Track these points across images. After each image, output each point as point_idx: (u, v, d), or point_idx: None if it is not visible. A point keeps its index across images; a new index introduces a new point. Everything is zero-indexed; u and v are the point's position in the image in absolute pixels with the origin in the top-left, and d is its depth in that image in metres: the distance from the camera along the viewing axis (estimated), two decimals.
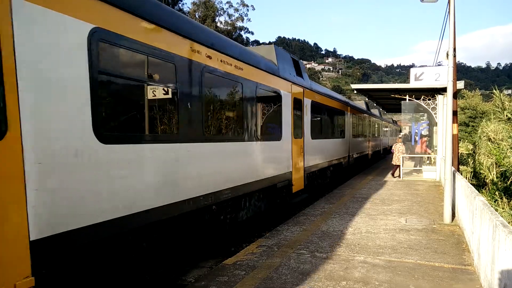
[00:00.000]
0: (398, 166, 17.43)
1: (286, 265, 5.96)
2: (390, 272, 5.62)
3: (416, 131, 18.12)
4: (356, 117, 21.36)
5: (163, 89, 5.57)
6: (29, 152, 3.58)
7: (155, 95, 5.42)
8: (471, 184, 9.54)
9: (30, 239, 3.57)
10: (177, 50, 5.81)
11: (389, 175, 18.47)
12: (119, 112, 4.92)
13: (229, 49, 7.52)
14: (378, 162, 29.12)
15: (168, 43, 5.60)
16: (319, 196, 13.26)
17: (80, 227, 4.09)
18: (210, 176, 6.64)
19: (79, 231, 4.08)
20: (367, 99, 22.38)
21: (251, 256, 6.40)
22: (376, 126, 30.88)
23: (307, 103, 12.17)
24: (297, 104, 11.23)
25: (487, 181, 16.48)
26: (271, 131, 9.55)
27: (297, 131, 11.23)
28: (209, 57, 6.71)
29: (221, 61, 7.10)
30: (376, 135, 30.60)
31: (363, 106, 25.67)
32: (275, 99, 9.74)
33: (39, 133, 3.68)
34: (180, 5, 46.65)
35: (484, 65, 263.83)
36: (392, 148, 17.85)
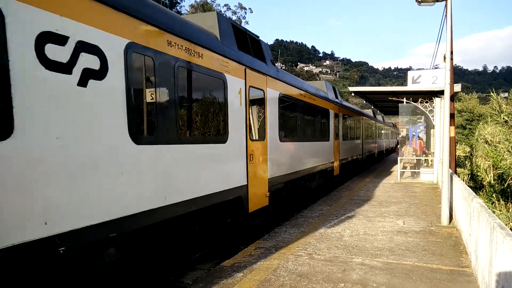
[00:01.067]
0: (413, 165, 17.66)
1: (284, 267, 5.95)
2: (388, 274, 5.62)
3: (414, 133, 18.16)
4: (367, 124, 26.41)
5: (296, 116, 11.57)
6: (268, 144, 9.04)
7: (294, 119, 11.47)
8: (468, 186, 9.54)
9: (268, 178, 9.02)
10: (297, 96, 11.61)
11: (388, 177, 18.49)
12: (286, 127, 10.47)
13: (311, 90, 13.21)
14: (380, 162, 30.05)
15: (296, 94, 11.45)
16: (347, 179, 18.42)
17: (276, 176, 9.52)
18: (305, 160, 12.18)
19: (276, 177, 9.57)
20: (364, 101, 22.60)
21: (249, 258, 6.40)
22: (381, 130, 35.95)
23: (340, 116, 17.57)
24: (336, 117, 16.71)
25: (484, 183, 16.54)
26: (325, 135, 14.99)
27: (336, 134, 16.61)
28: (305, 96, 12.30)
29: (309, 97, 12.77)
30: (381, 137, 36.00)
31: (371, 114, 30.38)
32: (327, 114, 15.31)
33: (269, 138, 9.12)
34: (178, 7, 46.74)
35: (481, 68, 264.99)
36: (402, 150, 17.99)
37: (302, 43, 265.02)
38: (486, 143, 17.55)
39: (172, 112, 5.66)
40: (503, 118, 17.16)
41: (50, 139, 3.82)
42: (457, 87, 14.08)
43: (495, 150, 16.26)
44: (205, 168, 6.53)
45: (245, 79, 8.00)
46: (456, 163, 15.73)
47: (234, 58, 7.56)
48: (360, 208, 10.81)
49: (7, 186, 3.43)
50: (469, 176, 19.20)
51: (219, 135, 7.03)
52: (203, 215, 6.80)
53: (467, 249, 6.65)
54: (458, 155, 21.72)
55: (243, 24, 50.49)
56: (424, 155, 18.38)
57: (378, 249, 6.84)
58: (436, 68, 17.41)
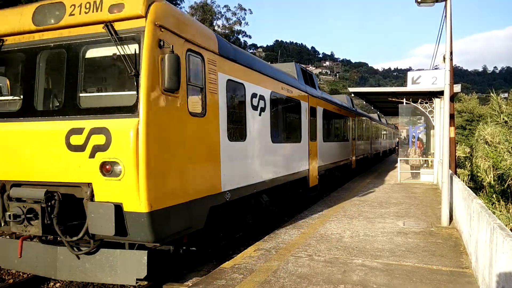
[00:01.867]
0: (419, 165, 17.79)
1: (284, 268, 5.94)
2: (388, 275, 5.61)
3: (414, 134, 18.17)
4: (374, 126, 31.08)
5: (330, 123, 16.03)
6: (318, 144, 13.60)
7: (330, 126, 15.99)
8: (468, 187, 9.49)
9: (318, 166, 13.37)
10: (332, 109, 16.00)
11: (388, 178, 18.49)
12: (326, 131, 14.85)
13: (338, 103, 17.68)
14: (381, 162, 30.66)
15: (331, 108, 15.86)
16: (362, 171, 22.85)
17: (321, 165, 13.84)
18: (336, 155, 16.44)
19: (321, 166, 13.95)
20: (364, 102, 22.73)
21: (249, 260, 6.38)
22: (384, 132, 40.88)
23: (355, 121, 22.08)
24: (353, 122, 21.21)
25: (485, 184, 16.52)
26: (345, 136, 19.43)
27: (352, 136, 21.03)
28: (335, 108, 16.71)
29: (337, 109, 17.12)
30: (385, 138, 41.55)
31: (377, 118, 34.88)
32: (347, 120, 19.80)
33: (318, 139, 13.74)
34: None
35: (480, 69, 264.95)
36: (408, 151, 18.10)
37: (301, 44, 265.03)
38: (486, 144, 17.54)
39: (282, 124, 10.37)
40: (503, 119, 17.15)
41: (252, 139, 8.21)
42: (457, 88, 14.08)
43: (495, 150, 16.25)
44: (292, 157, 10.97)
45: (308, 102, 12.54)
46: (456, 164, 15.72)
47: (303, 90, 12.25)
48: (360, 209, 10.80)
49: (246, 160, 7.95)
50: (469, 176, 19.19)
51: (297, 137, 11.58)
52: (291, 186, 11.08)
53: (467, 250, 6.64)
54: (458, 156, 21.71)
55: (243, 25, 50.52)
56: (424, 155, 18.39)
57: (378, 250, 6.83)
58: (436, 68, 17.41)
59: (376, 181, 17.66)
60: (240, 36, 50.83)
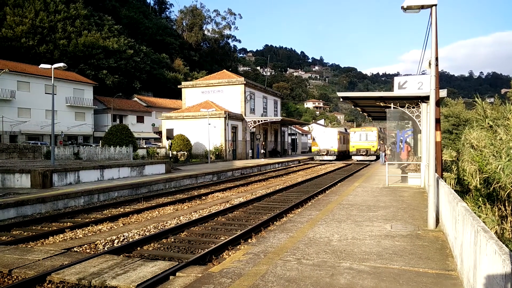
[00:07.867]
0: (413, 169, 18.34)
1: (273, 272, 5.95)
2: (376, 278, 5.66)
3: (401, 138, 18.39)
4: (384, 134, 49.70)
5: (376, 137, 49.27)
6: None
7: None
8: (455, 190, 9.58)
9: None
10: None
11: (376, 181, 18.65)
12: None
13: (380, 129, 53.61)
14: (369, 166, 30.34)
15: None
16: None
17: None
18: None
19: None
20: (353, 107, 22.94)
21: (238, 264, 6.38)
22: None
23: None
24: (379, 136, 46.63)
25: (471, 187, 16.72)
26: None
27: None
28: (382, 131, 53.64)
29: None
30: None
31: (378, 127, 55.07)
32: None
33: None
34: (167, 13, 46.65)
35: (467, 74, 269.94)
36: (401, 156, 18.62)
37: (291, 48, 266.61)
38: (472, 148, 17.78)
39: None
40: (488, 123, 17.44)
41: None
42: (443, 93, 14.29)
43: (481, 154, 16.49)
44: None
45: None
46: (443, 168, 15.91)
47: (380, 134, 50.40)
48: (348, 212, 10.87)
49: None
50: (456, 180, 19.42)
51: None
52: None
53: (453, 252, 6.73)
54: (445, 160, 21.99)
55: (232, 30, 50.92)
56: (408, 158, 18.68)
57: (366, 254, 6.88)
58: (423, 73, 17.66)
59: (364, 184, 17.80)
60: (230, 41, 51.00)
